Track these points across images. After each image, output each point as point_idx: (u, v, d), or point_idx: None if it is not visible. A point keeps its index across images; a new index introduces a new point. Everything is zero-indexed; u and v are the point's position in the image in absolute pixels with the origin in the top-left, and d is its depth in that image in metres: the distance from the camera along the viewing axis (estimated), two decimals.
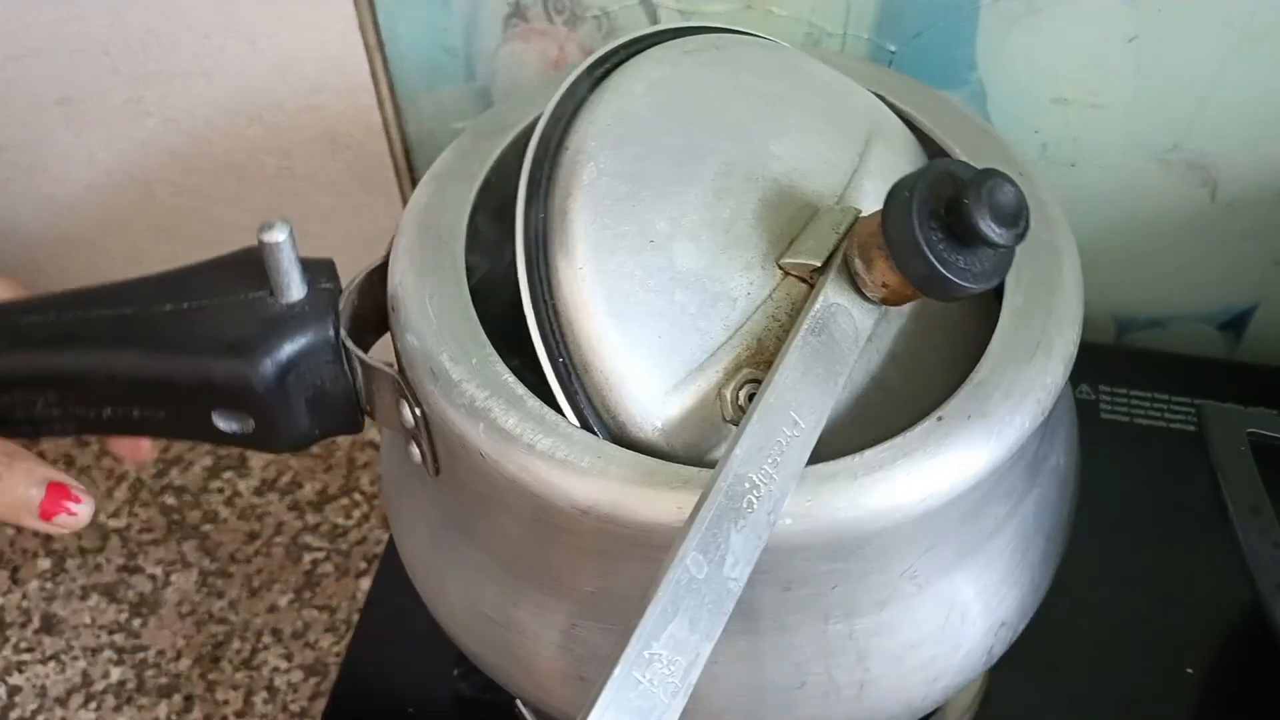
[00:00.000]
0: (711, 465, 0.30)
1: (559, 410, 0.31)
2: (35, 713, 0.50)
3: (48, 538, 0.56)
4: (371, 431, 0.60)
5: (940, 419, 0.30)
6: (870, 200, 0.34)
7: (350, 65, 0.51)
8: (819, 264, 0.32)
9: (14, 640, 0.53)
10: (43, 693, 0.51)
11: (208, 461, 0.59)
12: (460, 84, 0.52)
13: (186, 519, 0.57)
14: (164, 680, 0.51)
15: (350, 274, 0.36)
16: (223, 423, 0.36)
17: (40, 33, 0.52)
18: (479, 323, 0.33)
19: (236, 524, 0.57)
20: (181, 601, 0.54)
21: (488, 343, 0.33)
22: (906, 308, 0.34)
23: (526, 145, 0.34)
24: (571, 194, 0.32)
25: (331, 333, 0.35)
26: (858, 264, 0.31)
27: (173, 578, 0.55)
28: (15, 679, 0.51)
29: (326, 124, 0.54)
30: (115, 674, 0.52)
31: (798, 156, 0.35)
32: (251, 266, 0.35)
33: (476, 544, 0.35)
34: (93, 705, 0.51)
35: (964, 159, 0.37)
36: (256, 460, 0.59)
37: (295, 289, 0.35)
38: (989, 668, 0.36)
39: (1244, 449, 0.41)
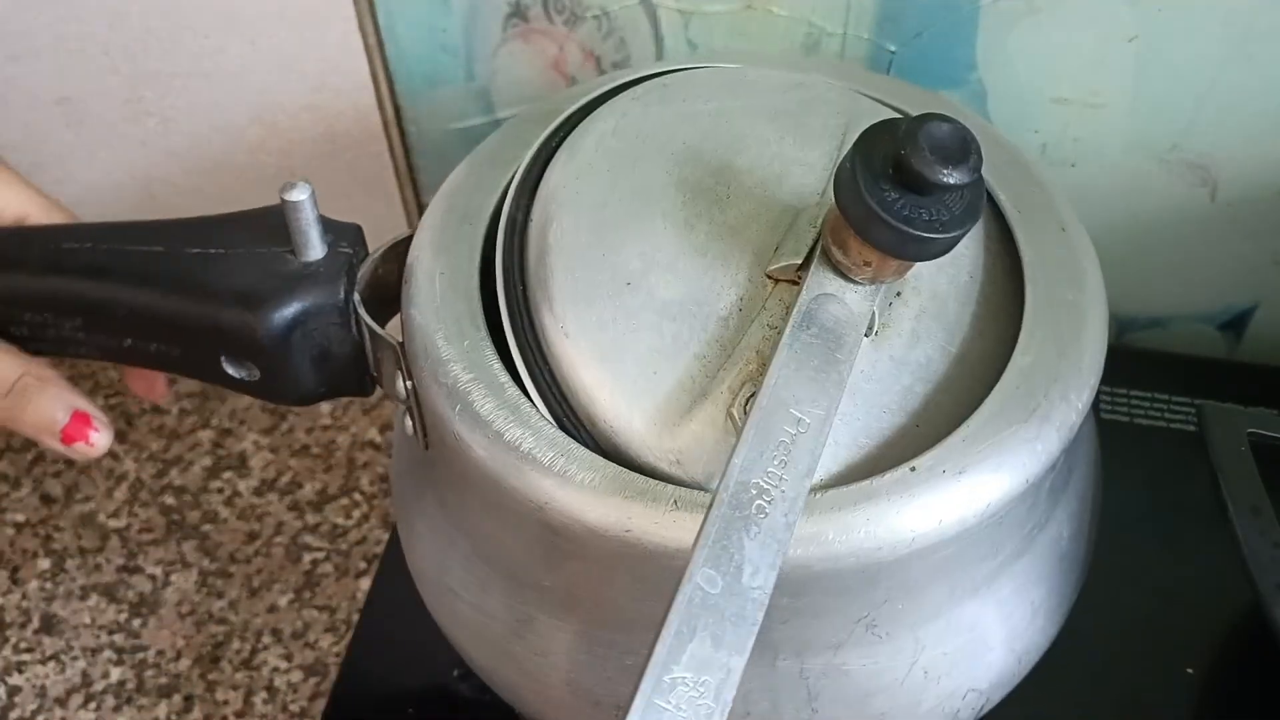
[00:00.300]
0: (698, 486, 0.30)
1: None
2: (35, 713, 0.50)
3: (47, 537, 0.56)
4: (371, 431, 0.60)
5: (913, 469, 0.29)
6: None
7: (350, 65, 0.51)
8: (800, 261, 0.31)
9: (14, 640, 0.53)
10: (42, 693, 0.51)
11: (208, 461, 0.59)
12: (460, 84, 0.52)
13: (186, 519, 0.57)
14: (164, 680, 0.51)
15: None
16: (231, 368, 0.37)
17: (40, 33, 0.52)
18: (481, 306, 0.33)
19: (236, 524, 0.57)
20: (181, 601, 0.54)
21: (484, 326, 0.33)
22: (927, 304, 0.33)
23: (568, 131, 0.35)
24: (543, 259, 0.33)
25: (342, 296, 0.36)
26: (834, 251, 0.31)
27: (172, 578, 0.55)
28: (15, 679, 0.51)
29: (326, 124, 0.54)
30: (115, 674, 0.52)
31: (766, 165, 0.34)
32: (282, 223, 0.36)
33: (470, 539, 0.35)
34: (92, 705, 0.51)
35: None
36: (256, 460, 0.59)
37: (314, 249, 0.36)
38: None
39: (1244, 449, 0.41)
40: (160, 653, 0.52)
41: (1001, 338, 0.33)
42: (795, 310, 0.30)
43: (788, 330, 0.30)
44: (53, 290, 0.37)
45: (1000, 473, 0.30)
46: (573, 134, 0.36)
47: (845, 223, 0.29)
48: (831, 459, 0.30)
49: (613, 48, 0.50)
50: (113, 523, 0.57)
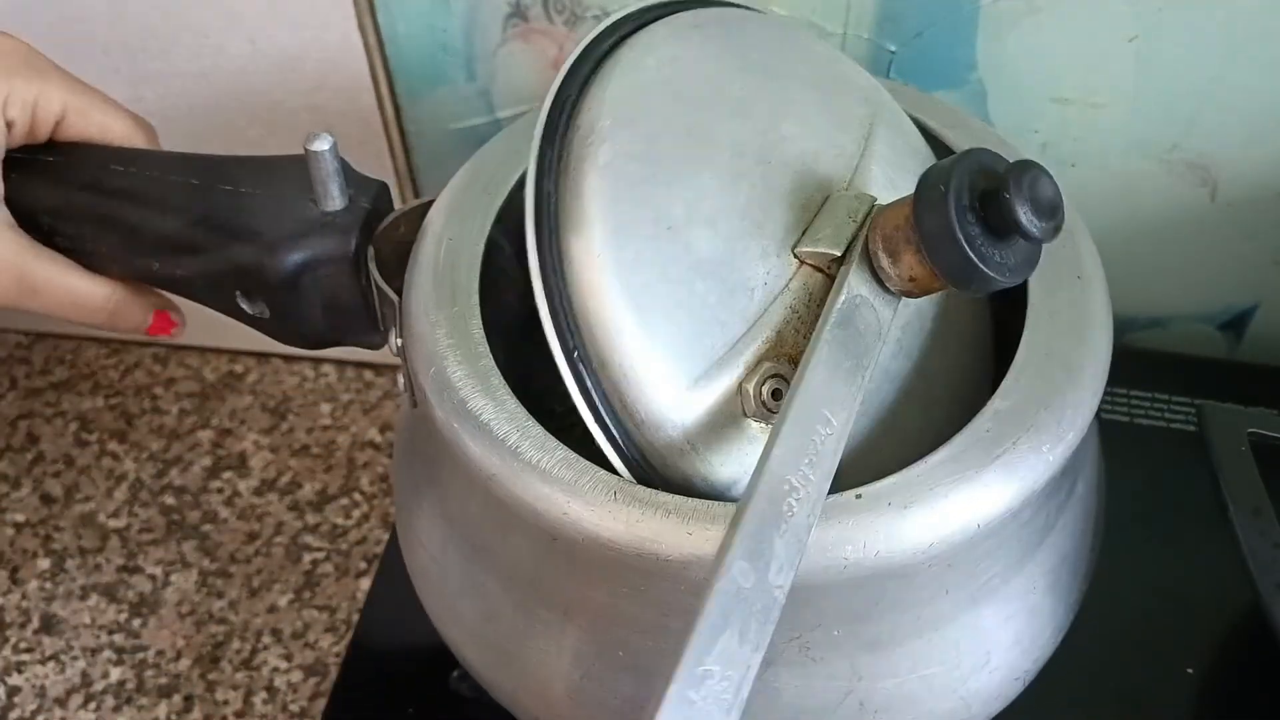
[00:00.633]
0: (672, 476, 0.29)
1: (565, 399, 0.30)
2: (35, 713, 0.50)
3: (47, 538, 0.56)
4: (371, 431, 0.60)
5: (859, 496, 0.29)
6: (878, 184, 0.33)
7: (350, 65, 0.51)
8: (839, 254, 0.31)
9: (13, 640, 0.53)
10: (42, 693, 0.51)
11: (207, 461, 0.59)
12: (460, 84, 0.52)
13: (186, 519, 0.57)
14: (164, 680, 0.51)
15: None
16: (245, 304, 0.38)
17: (40, 33, 0.52)
18: (478, 277, 0.33)
19: (236, 524, 0.57)
20: (181, 602, 0.54)
21: (475, 295, 0.33)
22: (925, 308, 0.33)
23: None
24: (586, 176, 0.31)
25: (353, 247, 0.37)
26: (882, 256, 0.30)
27: (172, 578, 0.55)
28: (15, 679, 0.51)
29: (326, 124, 0.54)
30: (115, 674, 0.52)
31: (807, 138, 0.33)
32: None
33: (469, 542, 0.35)
34: (92, 705, 0.51)
35: (928, 124, 0.37)
36: (256, 460, 0.59)
37: (334, 199, 0.37)
38: None
39: (1244, 449, 0.41)
40: (160, 653, 0.52)
41: (983, 362, 0.32)
42: (834, 307, 0.29)
43: (827, 326, 0.29)
44: (93, 207, 0.39)
45: (948, 514, 0.29)
46: (629, 47, 0.33)
47: (912, 235, 0.29)
48: None
49: None
50: (113, 523, 0.57)
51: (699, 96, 0.33)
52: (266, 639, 0.52)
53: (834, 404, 0.28)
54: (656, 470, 0.30)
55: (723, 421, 0.30)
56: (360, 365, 0.63)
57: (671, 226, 0.31)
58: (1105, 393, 0.33)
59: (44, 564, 0.55)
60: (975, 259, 0.28)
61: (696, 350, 0.30)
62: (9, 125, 0.38)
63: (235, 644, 0.52)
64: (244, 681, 0.51)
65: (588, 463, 0.30)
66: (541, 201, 0.31)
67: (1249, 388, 0.51)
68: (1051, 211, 0.28)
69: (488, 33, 0.50)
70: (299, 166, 0.37)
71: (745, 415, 0.30)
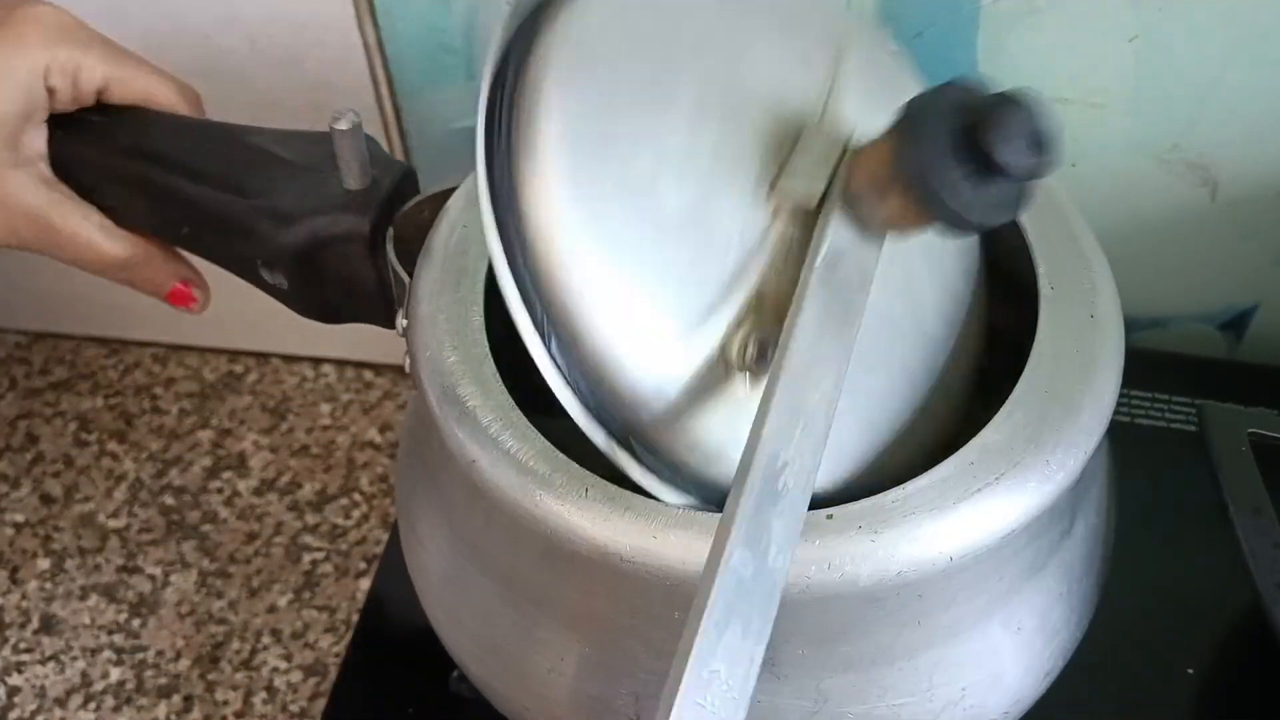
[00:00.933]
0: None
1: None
2: (34, 713, 0.50)
3: (47, 537, 0.56)
4: (371, 431, 0.60)
5: (830, 517, 0.28)
6: (853, 113, 0.31)
7: (350, 65, 0.51)
8: (817, 198, 0.29)
9: (13, 641, 0.53)
10: (42, 693, 0.51)
11: (207, 462, 0.59)
12: (460, 84, 0.52)
13: (186, 519, 0.57)
14: (163, 681, 0.51)
15: None
16: (265, 273, 0.39)
17: None
18: (486, 265, 0.33)
19: (236, 524, 0.56)
20: (181, 602, 0.54)
21: (481, 283, 0.33)
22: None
23: None
24: (542, 123, 0.28)
25: (369, 227, 0.37)
26: (865, 198, 0.28)
27: (172, 578, 0.55)
28: (14, 679, 0.51)
29: (326, 124, 0.54)
30: (114, 674, 0.51)
31: (771, 67, 0.31)
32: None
33: (471, 547, 0.35)
34: (92, 706, 0.51)
35: None
36: (256, 460, 0.59)
37: (356, 179, 0.38)
38: None
39: (1244, 449, 0.41)
40: (160, 653, 0.52)
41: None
42: (815, 262, 0.27)
43: (812, 280, 0.27)
44: (130, 169, 0.40)
45: (918, 543, 0.28)
46: None
47: (896, 175, 0.26)
48: None
49: None
50: (112, 523, 0.57)
51: (652, 33, 0.30)
52: (266, 639, 0.52)
53: (824, 364, 0.27)
54: (643, 443, 0.29)
55: (707, 387, 0.29)
56: (360, 365, 0.63)
57: (638, 182, 0.28)
58: None
59: (44, 564, 0.55)
60: (964, 199, 0.26)
61: (674, 315, 0.28)
62: (51, 92, 0.39)
63: (235, 644, 0.52)
64: (244, 682, 0.51)
65: (565, 457, 0.29)
66: (494, 168, 0.28)
67: (1249, 388, 0.50)
68: (1042, 147, 0.25)
69: (488, 32, 0.50)
70: (330, 143, 0.38)
71: (730, 379, 0.29)
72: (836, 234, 0.28)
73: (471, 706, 0.45)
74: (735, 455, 0.26)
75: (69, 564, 0.55)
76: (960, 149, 0.26)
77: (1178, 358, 0.55)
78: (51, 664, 0.52)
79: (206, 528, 0.56)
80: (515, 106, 0.29)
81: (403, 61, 0.52)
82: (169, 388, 0.62)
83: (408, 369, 0.36)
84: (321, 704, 0.49)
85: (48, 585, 0.54)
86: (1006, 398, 0.31)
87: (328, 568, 0.55)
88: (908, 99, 0.27)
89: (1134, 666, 0.44)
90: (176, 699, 0.51)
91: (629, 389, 0.28)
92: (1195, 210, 0.51)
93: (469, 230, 0.35)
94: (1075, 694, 0.43)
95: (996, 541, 0.29)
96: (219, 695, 0.51)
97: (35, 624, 0.53)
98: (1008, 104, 0.25)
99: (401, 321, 0.35)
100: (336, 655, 0.51)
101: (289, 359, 0.63)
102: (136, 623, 0.53)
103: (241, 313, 0.53)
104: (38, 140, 0.40)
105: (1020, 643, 0.33)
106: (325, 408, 0.61)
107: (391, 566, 0.50)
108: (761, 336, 0.29)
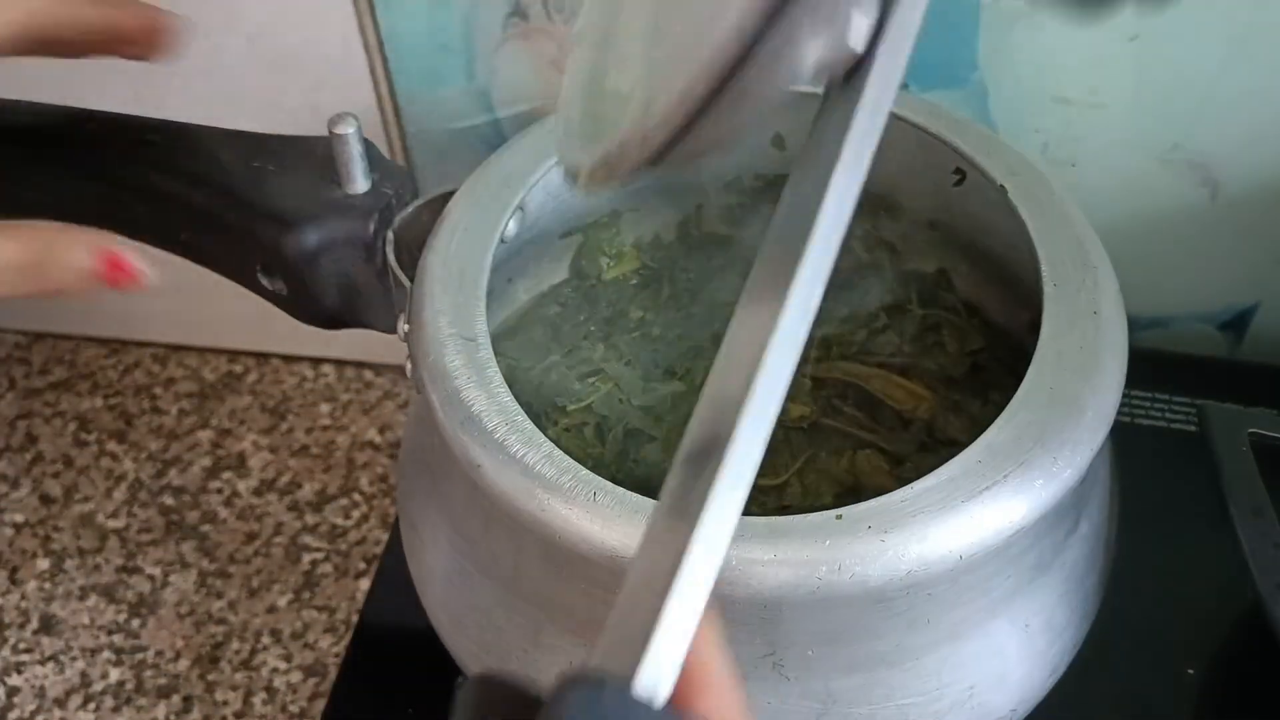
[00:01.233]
0: None
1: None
2: (34, 713, 0.50)
3: (46, 538, 0.56)
4: (371, 431, 0.60)
5: (839, 517, 0.28)
6: None
7: (350, 65, 0.51)
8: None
9: (12, 641, 0.53)
10: (41, 693, 0.51)
11: (207, 462, 0.59)
12: (460, 84, 0.52)
13: (185, 519, 0.57)
14: (163, 681, 0.51)
15: None
16: (264, 279, 0.39)
17: None
18: (488, 269, 0.34)
19: (235, 524, 0.56)
20: (180, 602, 0.54)
21: (483, 286, 0.33)
22: None
23: None
24: None
25: (371, 231, 0.37)
26: None
27: (171, 578, 0.55)
28: (14, 680, 0.51)
29: (325, 125, 0.54)
30: (114, 675, 0.51)
31: None
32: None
33: (474, 549, 0.35)
34: (91, 706, 0.51)
35: (977, 161, 0.36)
36: (256, 460, 0.59)
37: (357, 183, 0.37)
38: None
39: (1244, 449, 0.41)
40: (159, 653, 0.52)
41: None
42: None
43: None
44: (127, 176, 0.40)
45: (927, 543, 0.28)
46: None
47: None
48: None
49: None
50: (112, 523, 0.57)
51: None
52: (266, 639, 0.52)
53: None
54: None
55: None
56: (360, 365, 0.63)
57: None
58: None
59: (43, 564, 0.55)
60: None
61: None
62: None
63: (234, 644, 0.52)
64: (243, 682, 0.51)
65: (572, 461, 0.30)
66: None
67: (1249, 388, 0.50)
68: None
69: (487, 32, 0.50)
70: (329, 148, 0.38)
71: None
72: None
73: None
74: None
75: (68, 564, 0.55)
76: None
77: (1178, 357, 0.55)
78: (51, 664, 0.52)
79: (206, 528, 0.56)
80: None
81: (403, 61, 0.52)
82: (169, 388, 0.62)
83: (409, 374, 0.36)
84: (321, 704, 0.49)
85: (47, 585, 0.54)
86: (1007, 396, 0.31)
87: (327, 568, 0.55)
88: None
89: (1134, 666, 0.44)
90: (176, 699, 0.51)
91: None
92: (1195, 210, 0.51)
93: (470, 234, 0.35)
94: (1076, 693, 0.43)
95: (1004, 540, 0.29)
96: (218, 695, 0.51)
97: (35, 624, 0.53)
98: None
99: (403, 326, 0.35)
100: (336, 655, 0.51)
101: (289, 359, 0.63)
102: (136, 623, 0.53)
103: (241, 313, 0.53)
104: None
105: (1027, 641, 0.33)
106: (325, 408, 0.61)
107: (391, 567, 0.50)
108: None
